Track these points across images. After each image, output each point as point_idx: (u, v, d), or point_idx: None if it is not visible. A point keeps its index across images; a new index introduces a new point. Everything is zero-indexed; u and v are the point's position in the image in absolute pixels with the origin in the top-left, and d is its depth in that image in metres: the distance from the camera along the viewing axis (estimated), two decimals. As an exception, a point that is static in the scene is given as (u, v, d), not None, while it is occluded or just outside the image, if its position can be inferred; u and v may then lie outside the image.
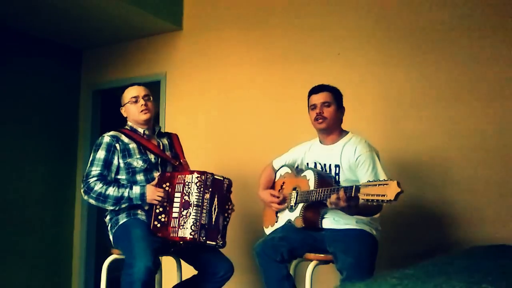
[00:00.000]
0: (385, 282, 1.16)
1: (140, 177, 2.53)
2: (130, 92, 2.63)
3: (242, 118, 3.79)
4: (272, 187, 2.69)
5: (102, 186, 2.44)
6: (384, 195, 1.87)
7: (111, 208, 2.47)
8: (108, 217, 2.56)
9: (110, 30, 4.20)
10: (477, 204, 2.83)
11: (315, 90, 2.52)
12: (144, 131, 2.62)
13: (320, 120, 2.44)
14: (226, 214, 2.55)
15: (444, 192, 2.94)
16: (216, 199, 2.47)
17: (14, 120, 4.08)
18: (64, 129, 4.53)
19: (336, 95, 2.50)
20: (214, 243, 2.45)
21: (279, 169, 2.70)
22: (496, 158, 2.81)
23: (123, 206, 2.45)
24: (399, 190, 1.84)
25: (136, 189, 2.45)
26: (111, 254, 2.58)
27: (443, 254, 1.90)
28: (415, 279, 1.19)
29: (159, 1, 3.97)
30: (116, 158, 2.51)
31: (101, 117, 4.67)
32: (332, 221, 2.40)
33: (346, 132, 2.52)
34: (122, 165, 2.52)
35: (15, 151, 4.06)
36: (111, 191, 2.43)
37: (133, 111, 2.60)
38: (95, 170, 2.47)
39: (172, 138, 2.80)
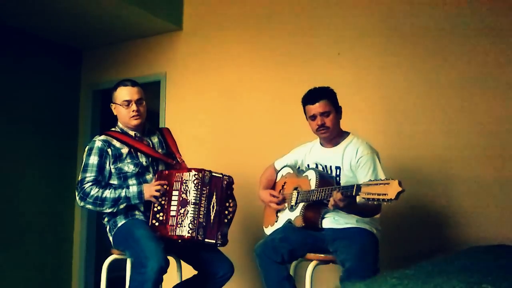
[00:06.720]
0: (385, 282, 1.17)
1: (132, 181, 2.50)
2: (123, 94, 2.53)
3: (242, 118, 3.79)
4: (273, 187, 2.68)
5: (98, 190, 2.41)
6: (385, 194, 1.87)
7: (109, 210, 2.44)
8: (106, 219, 2.55)
9: (110, 30, 4.20)
10: (477, 204, 2.83)
11: (310, 100, 2.43)
12: (135, 134, 2.58)
13: (323, 130, 2.42)
14: (226, 212, 2.54)
15: (444, 192, 2.94)
16: (214, 196, 2.46)
17: (14, 120, 4.08)
18: (64, 129, 4.53)
19: (332, 100, 2.44)
20: (213, 241, 2.44)
21: (280, 170, 2.70)
22: (496, 158, 2.81)
23: (121, 207, 2.43)
24: (400, 189, 1.84)
25: (133, 188, 2.44)
26: (111, 254, 2.58)
27: (443, 254, 1.90)
28: (415, 279, 1.19)
29: (159, 1, 3.97)
30: (107, 163, 2.47)
31: (101, 117, 4.66)
32: (332, 220, 2.40)
33: (347, 134, 2.50)
34: (113, 170, 2.48)
35: (14, 151, 4.06)
36: (108, 193, 2.41)
37: (124, 114, 2.53)
38: (90, 175, 2.44)
39: (164, 134, 2.74)
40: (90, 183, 2.43)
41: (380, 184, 1.91)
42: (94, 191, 2.41)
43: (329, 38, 3.43)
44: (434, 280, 1.16)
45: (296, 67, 3.54)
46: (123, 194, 2.42)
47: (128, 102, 2.52)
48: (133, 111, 2.51)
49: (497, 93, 2.85)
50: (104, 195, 2.41)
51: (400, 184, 1.85)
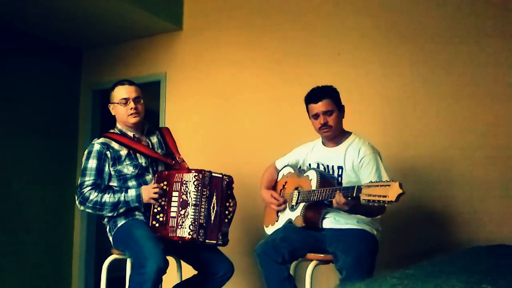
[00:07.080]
0: (385, 282, 1.17)
1: (132, 183, 2.50)
2: (120, 92, 2.53)
3: (242, 118, 3.79)
4: (274, 187, 2.68)
5: (98, 195, 2.41)
6: (385, 196, 1.87)
7: (109, 214, 2.45)
8: (106, 219, 2.55)
9: (110, 30, 4.20)
10: (477, 204, 2.83)
11: (314, 99, 2.43)
12: (134, 134, 2.58)
13: (326, 129, 2.42)
14: (227, 212, 2.53)
15: (444, 192, 2.94)
16: (214, 197, 2.46)
17: (13, 120, 4.08)
18: (64, 129, 4.53)
19: (335, 99, 2.44)
20: (214, 241, 2.44)
21: (281, 169, 2.70)
22: (496, 158, 2.81)
23: (121, 211, 2.44)
24: (400, 191, 1.85)
25: (132, 192, 2.44)
26: (111, 254, 2.58)
27: (443, 254, 1.90)
28: (415, 279, 1.19)
29: (159, 1, 3.97)
30: (107, 165, 2.47)
31: (101, 117, 4.67)
32: (332, 220, 2.40)
33: (349, 133, 2.50)
34: (112, 172, 2.48)
35: (14, 151, 4.06)
36: (107, 197, 2.41)
37: (122, 113, 2.53)
38: (89, 179, 2.44)
39: (164, 133, 2.73)
40: (89, 187, 2.43)
41: (380, 185, 1.91)
42: (93, 196, 2.41)
43: (329, 38, 3.43)
44: (434, 280, 1.16)
45: (296, 67, 3.54)
46: (122, 198, 2.42)
47: (126, 100, 2.52)
48: (131, 108, 2.51)
49: (498, 93, 2.84)
50: (103, 200, 2.41)
51: (400, 186, 1.85)
